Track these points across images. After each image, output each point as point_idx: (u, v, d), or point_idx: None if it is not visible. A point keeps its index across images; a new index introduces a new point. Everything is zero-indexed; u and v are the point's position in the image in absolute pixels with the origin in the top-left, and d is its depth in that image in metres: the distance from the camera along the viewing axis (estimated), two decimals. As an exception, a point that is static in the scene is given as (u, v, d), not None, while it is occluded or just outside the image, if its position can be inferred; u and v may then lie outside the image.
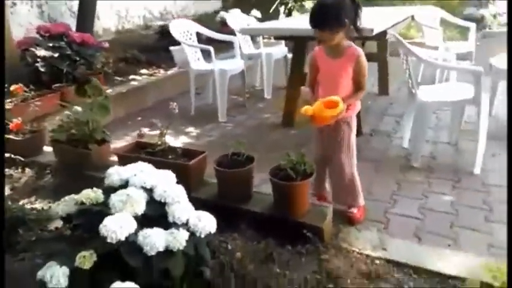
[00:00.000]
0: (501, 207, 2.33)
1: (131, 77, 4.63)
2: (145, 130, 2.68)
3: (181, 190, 1.73)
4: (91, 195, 1.67)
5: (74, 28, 4.74)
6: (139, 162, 1.89)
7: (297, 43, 3.43)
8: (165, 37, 5.81)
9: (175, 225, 1.65)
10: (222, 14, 7.12)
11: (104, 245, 1.52)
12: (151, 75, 4.83)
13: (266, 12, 7.63)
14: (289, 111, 3.66)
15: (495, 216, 2.26)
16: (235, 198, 2.21)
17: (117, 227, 1.52)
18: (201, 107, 4.24)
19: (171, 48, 5.10)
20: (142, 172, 1.79)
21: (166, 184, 1.75)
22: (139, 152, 2.47)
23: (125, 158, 2.41)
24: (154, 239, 1.54)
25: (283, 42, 4.91)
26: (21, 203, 2.37)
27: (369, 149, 3.21)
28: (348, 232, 2.13)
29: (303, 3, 8.31)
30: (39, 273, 1.56)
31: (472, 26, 4.82)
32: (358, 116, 2.71)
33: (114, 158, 2.78)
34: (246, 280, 1.81)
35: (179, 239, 1.59)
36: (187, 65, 5.01)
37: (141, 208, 1.64)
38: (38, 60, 3.75)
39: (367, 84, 2.18)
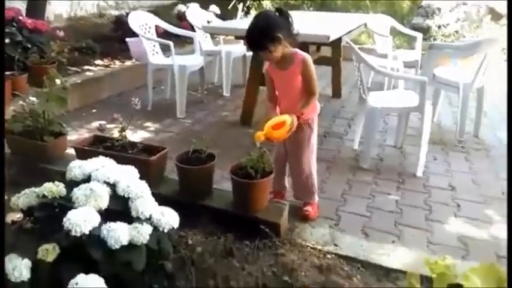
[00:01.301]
0: (440, 207, 2.56)
1: (85, 67, 4.51)
2: (105, 124, 2.63)
3: (144, 185, 1.77)
4: (53, 188, 1.67)
5: (23, 13, 4.54)
6: (101, 157, 1.90)
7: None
8: (120, 27, 5.70)
9: (138, 219, 1.69)
10: (180, 7, 7.08)
11: (68, 238, 1.53)
12: (106, 66, 4.73)
13: (225, 8, 7.67)
14: (248, 109, 3.75)
15: (434, 215, 2.48)
16: (196, 195, 2.27)
17: (81, 220, 1.53)
18: (158, 102, 4.23)
19: (128, 39, 5.00)
20: (104, 167, 1.81)
21: (129, 179, 1.78)
22: (98, 146, 2.46)
23: (84, 152, 2.39)
24: (119, 233, 1.57)
25: (242, 41, 4.98)
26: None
27: (322, 149, 3.36)
28: (302, 228, 2.25)
29: (261, 2, 8.44)
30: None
31: (419, 35, 5.14)
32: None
33: (71, 151, 2.75)
34: (205, 274, 1.88)
35: (143, 233, 1.63)
36: (144, 58, 4.95)
37: (104, 203, 1.66)
38: (-14, 45, 3.56)
39: (320, 87, 2.28)
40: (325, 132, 3.72)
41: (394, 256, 2.06)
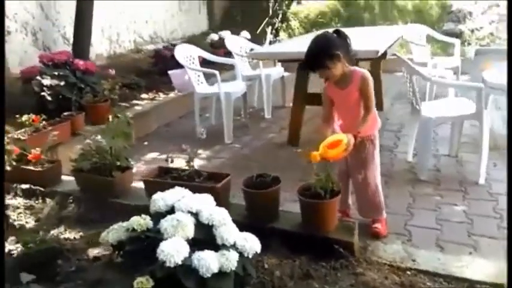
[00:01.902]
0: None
1: (133, 102, 4.69)
2: (171, 156, 2.68)
3: (225, 212, 1.82)
4: (141, 221, 1.74)
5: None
6: (177, 188, 1.96)
7: (301, 64, 3.57)
8: (159, 61, 5.93)
9: (224, 246, 1.73)
10: (212, 36, 7.29)
11: (162, 269, 1.59)
12: (152, 99, 4.90)
13: (253, 33, 7.84)
14: (295, 130, 3.79)
15: (506, 222, 2.41)
16: (264, 218, 2.30)
17: (174, 251, 1.59)
18: (205, 129, 4.32)
19: (170, 72, 5.19)
20: (185, 197, 1.87)
21: (210, 207, 1.83)
22: (165, 177, 2.54)
23: (153, 184, 2.48)
24: (209, 261, 1.62)
25: (279, 64, 5.08)
26: (51, 234, 2.39)
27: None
28: (375, 246, 2.23)
29: (289, 23, 8.58)
30: (96, 302, 1.62)
31: (457, 41, 5.09)
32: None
33: (136, 184, 2.85)
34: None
35: (231, 260, 1.67)
36: (185, 89, 5.15)
37: (191, 232, 1.71)
38: (44, 89, 3.78)
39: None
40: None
41: (474, 267, 2.02)
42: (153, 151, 3.91)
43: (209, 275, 1.61)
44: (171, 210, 1.82)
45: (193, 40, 7.59)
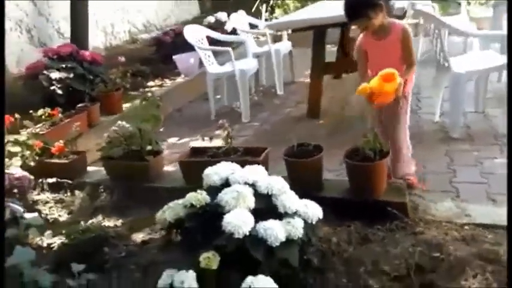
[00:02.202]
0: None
1: (142, 90, 4.58)
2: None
3: (282, 181, 1.75)
4: (199, 197, 1.67)
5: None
6: (224, 163, 1.88)
7: (317, 33, 3.49)
8: (161, 48, 5.79)
9: (287, 214, 1.67)
10: (209, 19, 7.13)
11: (231, 242, 1.52)
12: (160, 86, 4.79)
13: (248, 12, 7.69)
14: (315, 101, 3.71)
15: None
16: (310, 187, 2.23)
17: (240, 221, 1.53)
18: (219, 110, 4.23)
19: (174, 57, 5.07)
20: (236, 171, 1.80)
21: (265, 177, 1.76)
22: (201, 156, 2.47)
23: (190, 164, 2.41)
24: (277, 230, 1.56)
25: (285, 38, 4.98)
26: (90, 223, 2.31)
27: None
28: (425, 205, 2.18)
29: (284, 0, 8.43)
30: (161, 283, 1.55)
31: (463, 1, 5.02)
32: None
33: (168, 168, 2.78)
34: (349, 263, 1.83)
35: (298, 227, 1.61)
36: (191, 72, 5.04)
37: (251, 202, 1.65)
38: (54, 82, 3.66)
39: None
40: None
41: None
42: (171, 136, 3.81)
43: (277, 244, 1.55)
44: (226, 184, 1.75)
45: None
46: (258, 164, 2.26)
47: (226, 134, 2.40)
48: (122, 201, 2.53)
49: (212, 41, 4.48)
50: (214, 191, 1.73)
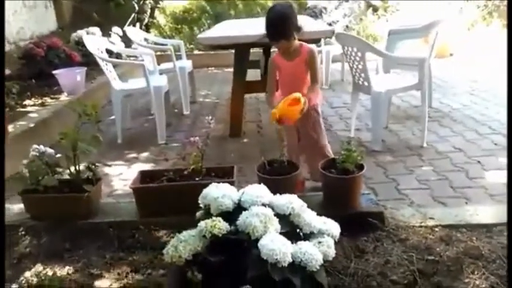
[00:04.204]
0: (469, 165, 2.86)
1: (20, 110, 3.80)
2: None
3: (298, 199, 1.61)
4: (219, 224, 1.41)
5: None
6: (223, 185, 1.66)
7: (239, 52, 3.43)
8: (31, 62, 4.95)
9: (312, 234, 1.54)
10: (80, 33, 6.42)
11: (275, 272, 1.32)
12: (42, 105, 4.05)
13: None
14: (237, 121, 3.62)
15: (471, 172, 2.76)
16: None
17: (284, 248, 1.34)
18: (123, 133, 3.77)
19: (56, 72, 4.38)
20: (245, 191, 1.60)
21: (281, 197, 1.60)
22: (156, 181, 2.13)
23: (148, 190, 2.06)
24: (315, 253, 1.42)
25: (185, 55, 4.78)
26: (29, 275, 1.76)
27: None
28: (391, 213, 2.27)
29: (157, 19, 8.17)
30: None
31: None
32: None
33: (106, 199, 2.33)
34: (360, 277, 1.78)
35: (331, 247, 1.50)
36: (77, 90, 4.44)
37: (278, 224, 1.47)
38: None
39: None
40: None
41: (481, 213, 2.24)
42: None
43: (318, 268, 1.41)
44: (239, 207, 1.53)
45: (50, 39, 6.57)
46: (232, 184, 2.09)
47: (198, 154, 2.11)
48: (57, 245, 2.00)
49: (110, 55, 4.02)
50: (227, 216, 1.49)
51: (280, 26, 2.28)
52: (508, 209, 1.91)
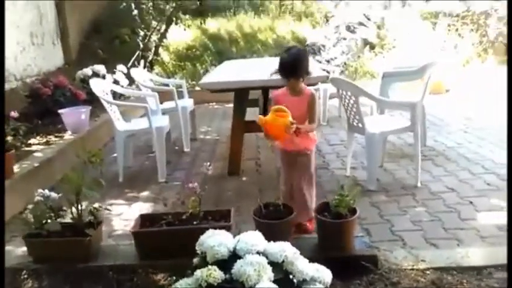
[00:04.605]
0: (462, 207, 2.92)
1: (25, 149, 3.91)
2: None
3: (290, 246, 1.69)
4: (214, 274, 1.49)
5: None
6: (220, 232, 1.74)
7: (238, 94, 3.57)
8: (37, 101, 5.11)
9: (304, 282, 1.60)
10: (85, 71, 6.63)
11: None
12: (47, 143, 4.17)
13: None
14: (236, 159, 3.72)
15: (463, 213, 2.82)
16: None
17: (277, 298, 1.41)
18: (124, 172, 3.86)
19: (61, 111, 4.52)
20: (242, 238, 1.67)
21: (275, 244, 1.68)
22: (156, 225, 2.20)
23: (148, 235, 2.13)
24: (307, 301, 1.48)
25: (187, 94, 4.94)
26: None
27: (321, 181, 3.52)
28: (384, 255, 2.33)
29: (161, 56, 8.42)
30: None
31: (336, 69, 5.78)
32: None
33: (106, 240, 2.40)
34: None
35: (323, 294, 1.55)
36: (81, 129, 4.57)
37: (271, 273, 1.54)
38: None
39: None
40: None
41: (472, 255, 2.30)
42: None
43: (310, 316, 1.47)
44: (234, 255, 1.60)
45: (57, 76, 6.78)
46: (229, 228, 2.17)
47: (198, 199, 2.20)
48: (57, 288, 2.06)
49: (114, 96, 4.17)
50: (222, 264, 1.57)
51: (295, 65, 2.44)
52: (508, 209, 1.97)
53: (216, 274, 1.48)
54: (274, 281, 1.53)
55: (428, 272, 2.18)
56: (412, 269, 2.20)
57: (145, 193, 3.48)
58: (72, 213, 2.20)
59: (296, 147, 2.51)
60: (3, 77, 2.02)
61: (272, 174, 3.55)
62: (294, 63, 2.45)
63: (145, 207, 3.16)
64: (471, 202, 2.99)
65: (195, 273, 1.51)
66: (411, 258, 2.30)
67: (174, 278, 1.98)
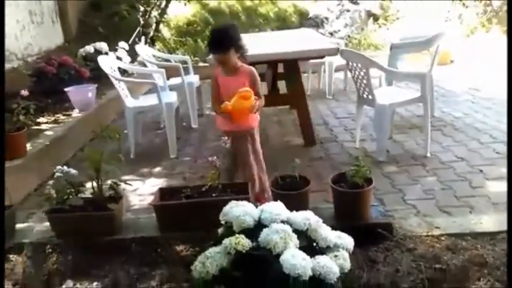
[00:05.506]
0: (469, 175, 2.97)
1: (35, 127, 3.92)
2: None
3: (313, 214, 1.73)
4: (242, 241, 1.53)
5: None
6: (243, 202, 1.78)
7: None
8: (42, 80, 5.08)
9: (328, 248, 1.65)
10: (87, 48, 6.57)
11: (297, 285, 1.43)
12: (55, 122, 4.18)
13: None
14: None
15: (474, 182, 2.86)
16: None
17: (304, 263, 1.46)
18: (135, 149, 3.89)
19: (68, 89, 4.51)
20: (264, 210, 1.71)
21: (298, 213, 1.72)
22: (175, 198, 2.24)
23: (169, 208, 2.17)
24: (332, 266, 1.53)
25: (192, 70, 4.92)
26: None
27: (332, 155, 3.56)
28: (398, 222, 2.38)
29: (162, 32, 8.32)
30: None
31: (341, 41, 5.73)
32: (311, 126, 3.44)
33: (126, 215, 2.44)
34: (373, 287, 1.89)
35: (347, 260, 1.61)
36: (88, 107, 4.57)
37: (296, 240, 1.58)
38: None
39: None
40: (320, 139, 3.92)
41: (485, 221, 2.35)
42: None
43: (336, 280, 1.52)
44: (259, 224, 1.65)
45: (58, 54, 6.73)
46: (248, 200, 2.21)
47: (216, 172, 2.23)
48: (83, 261, 2.12)
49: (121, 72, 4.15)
50: (247, 233, 1.61)
51: (221, 38, 2.39)
52: (508, 210, 2.02)
53: (244, 242, 1.53)
54: (299, 249, 1.58)
55: (442, 238, 2.23)
56: (427, 236, 2.24)
57: (157, 169, 3.51)
58: (93, 188, 2.24)
59: (243, 127, 2.47)
60: (3, 76, 2.01)
61: (278, 150, 3.60)
62: (219, 36, 2.41)
63: (159, 183, 3.20)
64: (481, 170, 3.03)
65: (223, 241, 1.55)
66: (425, 226, 2.35)
67: (197, 249, 2.02)
